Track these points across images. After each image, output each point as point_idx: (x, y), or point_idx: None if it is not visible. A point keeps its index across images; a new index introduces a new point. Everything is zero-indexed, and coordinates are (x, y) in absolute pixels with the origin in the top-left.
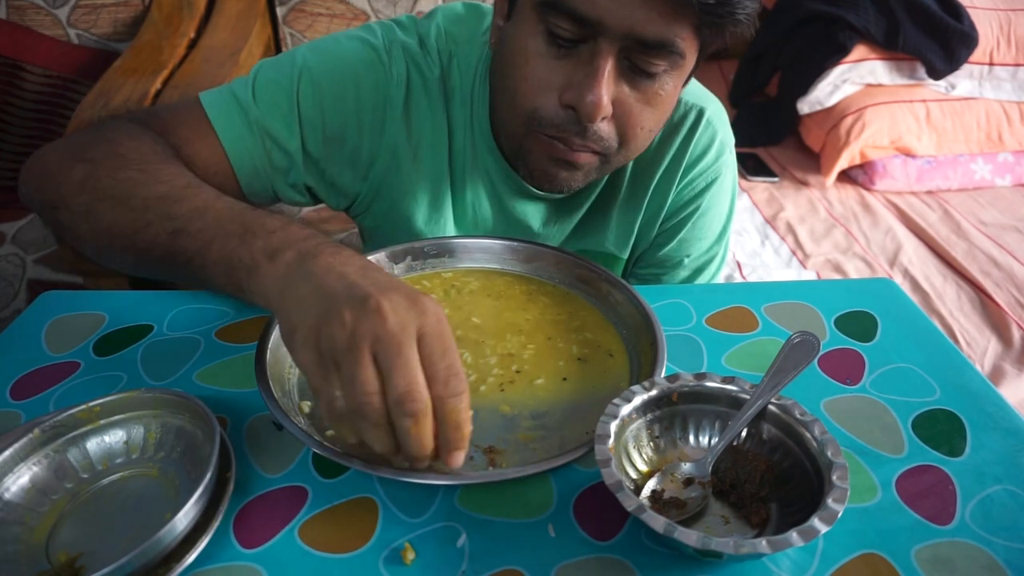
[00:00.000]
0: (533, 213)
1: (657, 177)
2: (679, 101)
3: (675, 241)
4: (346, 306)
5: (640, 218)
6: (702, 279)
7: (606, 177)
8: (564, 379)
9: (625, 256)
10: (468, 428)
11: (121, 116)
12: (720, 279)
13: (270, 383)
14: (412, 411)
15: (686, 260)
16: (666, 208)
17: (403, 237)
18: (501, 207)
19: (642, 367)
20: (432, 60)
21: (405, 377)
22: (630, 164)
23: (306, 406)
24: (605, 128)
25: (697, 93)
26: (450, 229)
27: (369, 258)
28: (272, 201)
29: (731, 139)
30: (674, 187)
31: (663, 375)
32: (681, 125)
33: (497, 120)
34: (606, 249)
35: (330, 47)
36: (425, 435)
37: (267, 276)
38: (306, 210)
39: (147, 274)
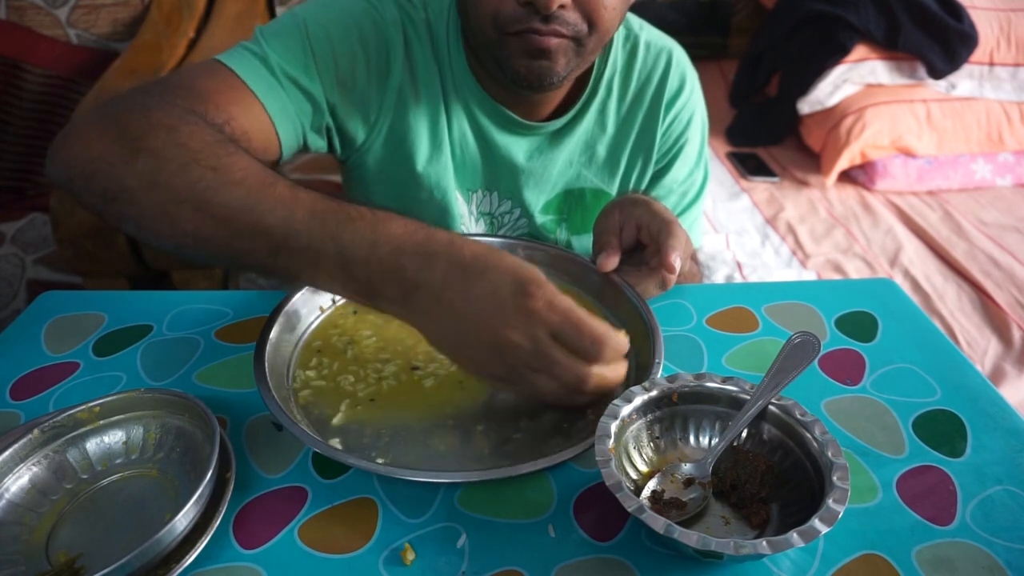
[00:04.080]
0: (517, 148)
1: (642, 115)
2: (648, 44)
3: (670, 172)
4: (484, 351)
5: (627, 153)
6: (686, 200)
7: (593, 117)
8: None
9: (614, 191)
10: (624, 340)
11: (156, 91)
12: (722, 278)
13: (269, 384)
14: (593, 388)
15: (675, 186)
16: (657, 146)
17: (408, 182)
18: (486, 143)
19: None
20: (416, 8)
21: (568, 376)
22: (615, 105)
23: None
24: (569, 15)
25: (660, 35)
26: (448, 169)
27: None
28: (300, 152)
29: (696, 75)
30: (660, 125)
31: (661, 352)
32: (656, 68)
33: (472, 42)
34: (593, 184)
35: (324, 2)
36: (614, 382)
37: (388, 310)
38: None
39: (255, 274)
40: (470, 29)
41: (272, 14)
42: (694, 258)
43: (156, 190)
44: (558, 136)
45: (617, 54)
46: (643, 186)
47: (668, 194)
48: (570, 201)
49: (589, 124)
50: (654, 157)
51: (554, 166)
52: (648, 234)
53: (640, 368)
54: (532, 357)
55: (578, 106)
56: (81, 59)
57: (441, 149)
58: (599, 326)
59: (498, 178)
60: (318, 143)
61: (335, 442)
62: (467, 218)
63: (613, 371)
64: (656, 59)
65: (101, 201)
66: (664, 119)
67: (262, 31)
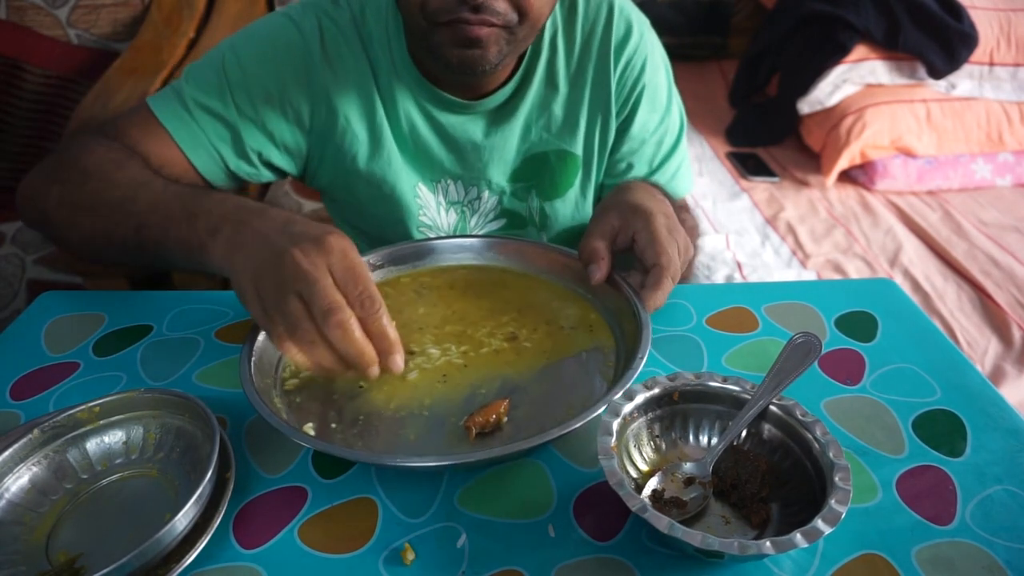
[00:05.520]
0: (473, 126)
1: (591, 69)
2: None
3: (636, 121)
4: (270, 265)
5: (585, 109)
6: (664, 148)
7: (541, 78)
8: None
9: (578, 150)
10: (393, 335)
11: (85, 131)
12: (722, 278)
13: (254, 378)
14: (336, 322)
15: (647, 136)
16: (614, 96)
17: (356, 183)
18: (442, 129)
19: (624, 334)
20: (342, 9)
21: (323, 299)
22: (563, 62)
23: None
24: (498, 5)
25: None
26: (396, 160)
27: None
28: (234, 182)
29: (644, 19)
30: (612, 74)
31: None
32: (598, 18)
33: (410, 36)
34: (555, 146)
35: (249, 26)
36: (355, 342)
37: (214, 251)
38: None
39: (132, 263)
40: (403, 19)
41: None
42: (687, 222)
43: (63, 208)
44: (510, 105)
45: (556, 12)
46: (610, 141)
47: (641, 146)
48: (535, 166)
49: (539, 86)
50: (613, 109)
51: (514, 135)
52: (641, 261)
53: (628, 357)
54: (301, 276)
55: (522, 70)
56: (81, 59)
57: (382, 144)
58: (378, 293)
59: (462, 162)
60: (246, 169)
61: (308, 427)
62: (433, 209)
63: (364, 340)
64: (597, 10)
65: (40, 226)
66: (616, 68)
67: (188, 68)
